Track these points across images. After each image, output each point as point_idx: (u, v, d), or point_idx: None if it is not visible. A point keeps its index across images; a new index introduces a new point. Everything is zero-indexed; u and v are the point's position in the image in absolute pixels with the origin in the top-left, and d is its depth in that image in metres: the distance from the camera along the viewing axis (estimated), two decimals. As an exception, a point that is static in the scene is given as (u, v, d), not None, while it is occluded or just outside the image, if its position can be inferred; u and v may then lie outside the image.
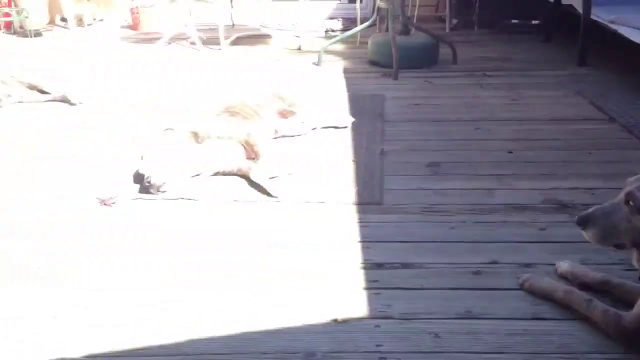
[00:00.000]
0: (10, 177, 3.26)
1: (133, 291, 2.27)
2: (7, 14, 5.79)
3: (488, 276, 2.30)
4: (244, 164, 3.22)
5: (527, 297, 2.19)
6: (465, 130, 3.85)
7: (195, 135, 3.30)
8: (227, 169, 3.24)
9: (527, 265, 2.36)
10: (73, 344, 1.99)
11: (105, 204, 2.94)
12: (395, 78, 5.00)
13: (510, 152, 3.48)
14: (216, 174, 3.24)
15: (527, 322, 2.07)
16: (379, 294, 2.20)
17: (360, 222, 2.73)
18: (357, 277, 2.31)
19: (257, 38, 6.79)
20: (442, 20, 6.98)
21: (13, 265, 2.44)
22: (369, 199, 2.92)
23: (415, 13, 6.61)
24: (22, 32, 5.83)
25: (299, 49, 6.18)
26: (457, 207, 2.82)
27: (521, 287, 2.22)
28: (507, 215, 2.76)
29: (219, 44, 6.23)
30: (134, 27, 7.19)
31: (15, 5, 6.46)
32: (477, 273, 2.32)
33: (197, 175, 3.20)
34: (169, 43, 6.42)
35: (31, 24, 5.38)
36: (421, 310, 2.11)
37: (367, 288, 2.24)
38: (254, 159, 3.26)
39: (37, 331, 2.05)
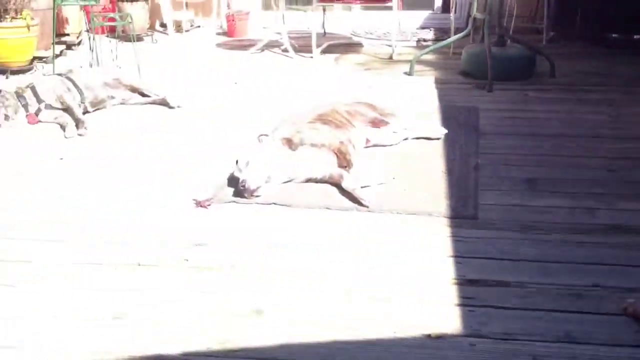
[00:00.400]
0: (114, 174, 3.41)
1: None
2: (112, 19, 6.04)
3: (589, 299, 2.21)
4: (336, 172, 3.23)
5: (630, 323, 2.08)
6: (563, 146, 3.72)
7: (289, 142, 3.33)
8: (319, 176, 3.26)
9: (631, 289, 2.25)
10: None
11: (200, 206, 3.01)
12: (490, 90, 4.90)
13: (612, 171, 3.34)
14: (308, 180, 3.26)
15: (631, 350, 1.97)
16: (473, 311, 2.15)
17: (453, 236, 2.68)
18: (450, 293, 2.27)
19: (348, 46, 6.83)
20: (539, 32, 6.79)
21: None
22: (463, 213, 2.87)
23: (512, 24, 6.46)
24: (125, 37, 6.08)
25: (391, 58, 6.17)
26: (556, 226, 2.73)
27: (624, 313, 2.12)
28: (610, 236, 2.64)
29: (310, 51, 6.29)
30: (229, 33, 7.37)
31: (119, 11, 6.75)
32: (578, 295, 2.23)
33: (289, 181, 3.24)
34: (262, 50, 6.54)
35: (133, 29, 5.59)
36: (519, 331, 2.04)
37: (461, 305, 2.19)
38: (345, 167, 3.26)
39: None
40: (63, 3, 5.62)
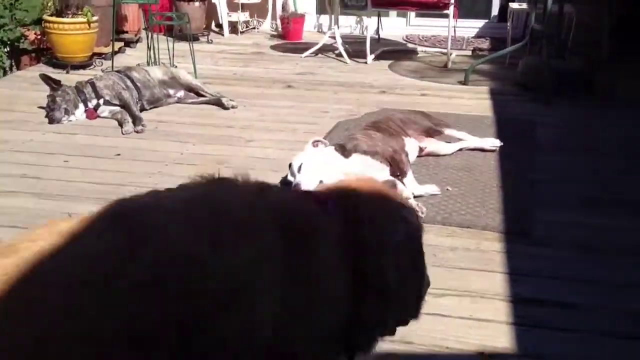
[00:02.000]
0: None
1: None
2: (169, 18, 6.13)
3: (649, 325, 2.15)
4: (388, 181, 3.20)
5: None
6: (624, 164, 3.62)
7: (342, 148, 3.32)
8: (371, 184, 3.24)
9: (694, 318, 2.18)
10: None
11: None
12: (547, 103, 4.80)
13: (675, 192, 3.24)
14: (360, 188, 3.24)
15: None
16: (528, 331, 2.11)
17: (507, 252, 2.63)
18: (505, 311, 2.22)
19: (402, 53, 6.79)
20: (600, 45, 6.63)
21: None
22: (518, 229, 2.81)
23: (571, 36, 6.33)
24: (181, 36, 6.16)
25: (445, 66, 6.11)
26: (614, 247, 2.66)
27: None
28: (672, 260, 2.56)
29: (365, 57, 6.28)
30: (284, 35, 7.41)
31: (177, 10, 6.85)
32: (636, 319, 2.16)
33: (341, 187, 3.23)
34: (316, 54, 6.55)
35: (190, 29, 5.67)
36: (574, 354, 1.99)
37: (516, 324, 2.15)
38: (398, 176, 3.24)
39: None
40: (122, 1, 5.72)
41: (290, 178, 3.17)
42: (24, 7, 5.96)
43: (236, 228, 1.16)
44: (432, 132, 3.76)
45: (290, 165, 3.21)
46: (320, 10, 7.92)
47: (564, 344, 2.05)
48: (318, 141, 3.39)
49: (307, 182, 3.08)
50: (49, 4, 5.66)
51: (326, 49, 6.63)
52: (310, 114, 4.57)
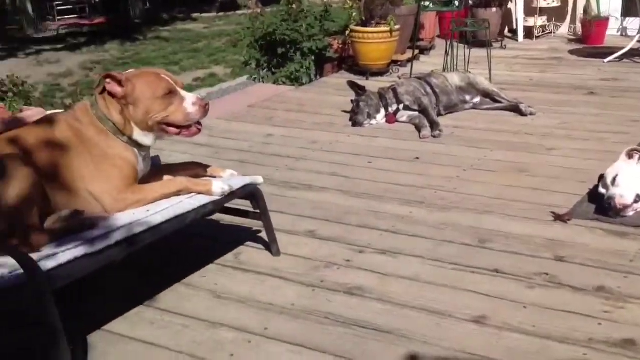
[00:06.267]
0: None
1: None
2: (465, 24, 6.14)
3: None
4: None
5: None
6: None
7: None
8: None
9: None
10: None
11: (559, 220, 2.88)
12: None
13: None
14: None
15: None
16: None
17: None
18: None
19: None
20: None
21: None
22: None
23: None
24: (474, 42, 6.13)
25: None
26: None
27: None
28: None
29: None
30: (584, 40, 6.98)
31: (473, 16, 6.82)
32: None
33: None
34: (621, 59, 6.05)
35: (489, 35, 5.62)
36: None
37: None
38: None
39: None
40: (427, 9, 5.85)
41: (602, 190, 2.96)
42: (332, 18, 6.45)
43: None
44: None
45: (602, 177, 3.00)
46: (626, 12, 7.28)
47: None
48: (634, 151, 3.11)
49: (622, 195, 2.85)
50: (354, 15, 6.02)
51: (632, 54, 6.08)
52: (618, 123, 4.23)
